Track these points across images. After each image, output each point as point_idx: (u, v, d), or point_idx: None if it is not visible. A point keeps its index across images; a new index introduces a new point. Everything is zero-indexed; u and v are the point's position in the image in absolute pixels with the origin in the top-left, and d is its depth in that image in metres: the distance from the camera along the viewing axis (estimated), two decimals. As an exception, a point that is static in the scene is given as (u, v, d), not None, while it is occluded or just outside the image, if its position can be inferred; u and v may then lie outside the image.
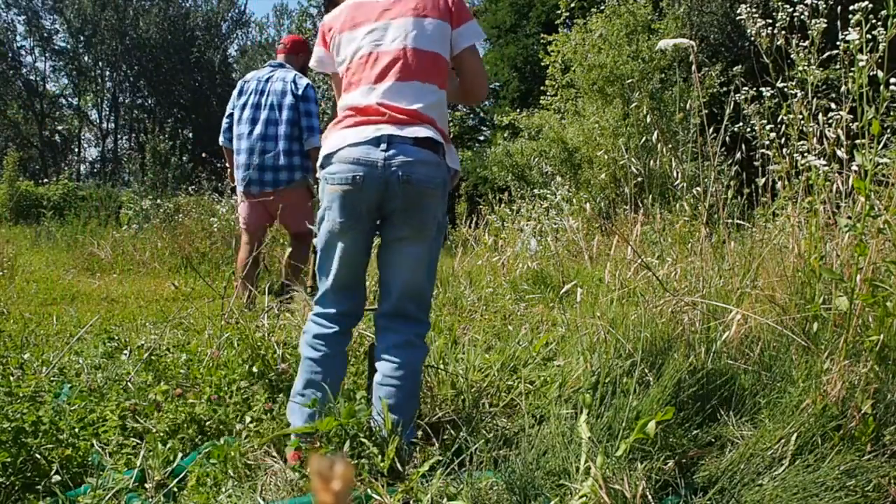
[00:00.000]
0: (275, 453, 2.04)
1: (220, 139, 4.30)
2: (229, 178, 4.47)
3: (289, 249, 4.47)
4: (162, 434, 2.13)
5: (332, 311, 2.14)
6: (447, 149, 2.11)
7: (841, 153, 2.55)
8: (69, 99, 34.95)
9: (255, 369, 2.44)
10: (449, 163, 2.12)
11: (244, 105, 4.16)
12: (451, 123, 22.86)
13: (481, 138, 24.12)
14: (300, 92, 4.07)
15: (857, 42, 2.18)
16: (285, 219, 4.16)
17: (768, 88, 2.85)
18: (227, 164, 4.39)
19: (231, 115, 4.23)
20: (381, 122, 2.02)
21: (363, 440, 1.93)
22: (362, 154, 2.00)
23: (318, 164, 2.13)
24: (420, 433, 2.23)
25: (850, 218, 2.34)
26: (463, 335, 3.28)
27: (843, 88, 2.56)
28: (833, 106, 2.62)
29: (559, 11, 10.78)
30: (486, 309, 4.23)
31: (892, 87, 2.16)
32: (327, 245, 2.11)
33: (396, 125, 2.01)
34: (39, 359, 2.99)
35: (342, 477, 0.44)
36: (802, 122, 2.64)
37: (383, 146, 1.99)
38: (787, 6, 2.78)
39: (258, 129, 4.08)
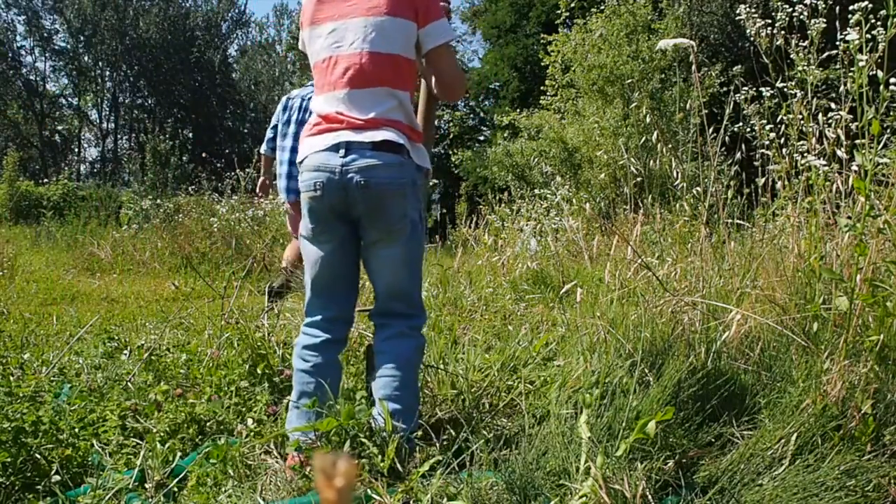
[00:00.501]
0: (275, 453, 2.05)
1: (263, 147, 4.77)
2: (259, 186, 4.95)
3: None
4: (162, 434, 2.13)
5: (318, 317, 2.15)
6: (412, 147, 2.08)
7: (841, 153, 2.55)
8: (69, 99, 34.97)
9: (255, 370, 2.44)
10: (416, 161, 2.09)
11: (288, 120, 4.56)
12: (451, 123, 22.83)
13: (481, 138, 24.12)
14: None
15: (856, 42, 2.18)
16: None
17: (768, 88, 2.85)
18: (259, 170, 4.83)
19: (275, 126, 4.65)
20: (339, 129, 2.04)
21: (363, 440, 1.93)
22: (322, 161, 2.03)
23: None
24: (420, 433, 2.23)
25: (850, 218, 2.34)
26: (463, 335, 3.28)
27: (841, 88, 2.56)
28: (833, 106, 2.62)
29: (559, 11, 10.77)
30: (486, 309, 4.23)
31: (891, 87, 2.16)
32: (306, 252, 2.15)
33: (354, 130, 2.03)
34: (39, 359, 2.99)
35: (345, 474, 0.45)
36: (802, 122, 2.64)
37: (341, 152, 2.01)
38: (787, 6, 2.78)
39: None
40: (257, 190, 5.02)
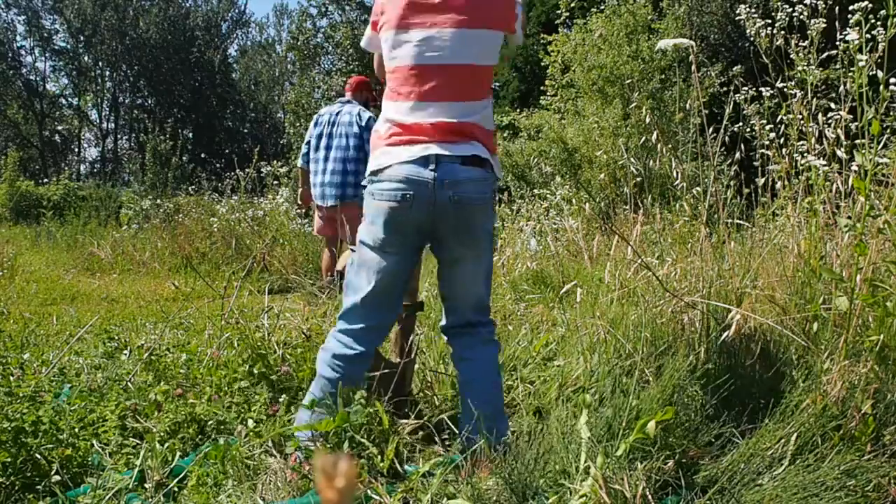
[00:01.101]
0: (275, 453, 2.04)
1: (299, 162, 5.35)
2: (301, 196, 5.46)
3: (343, 252, 5.35)
4: (161, 434, 2.13)
5: (359, 326, 2.10)
6: (493, 160, 2.10)
7: (841, 153, 2.55)
8: (69, 99, 34.97)
9: (255, 370, 2.44)
10: (497, 173, 2.13)
11: (319, 135, 5.14)
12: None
13: (481, 138, 24.07)
14: (363, 123, 5.03)
15: (856, 42, 2.18)
16: (344, 228, 5.04)
17: (768, 88, 2.85)
18: (300, 183, 5.41)
19: (309, 142, 5.19)
20: (428, 141, 2.00)
21: (361, 440, 1.93)
22: (411, 173, 1.98)
23: (367, 178, 2.11)
24: (421, 433, 2.23)
25: (850, 218, 2.34)
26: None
27: (840, 88, 2.56)
28: (833, 106, 2.62)
29: (559, 11, 10.77)
30: (486, 309, 4.22)
31: (891, 87, 2.16)
32: (365, 259, 2.09)
33: (443, 144, 1.99)
34: (39, 359, 2.99)
35: (346, 474, 0.45)
36: (802, 122, 2.64)
37: (431, 166, 1.98)
38: (787, 6, 2.78)
39: (331, 154, 5.04)
40: (299, 200, 5.55)
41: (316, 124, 5.22)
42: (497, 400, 2.11)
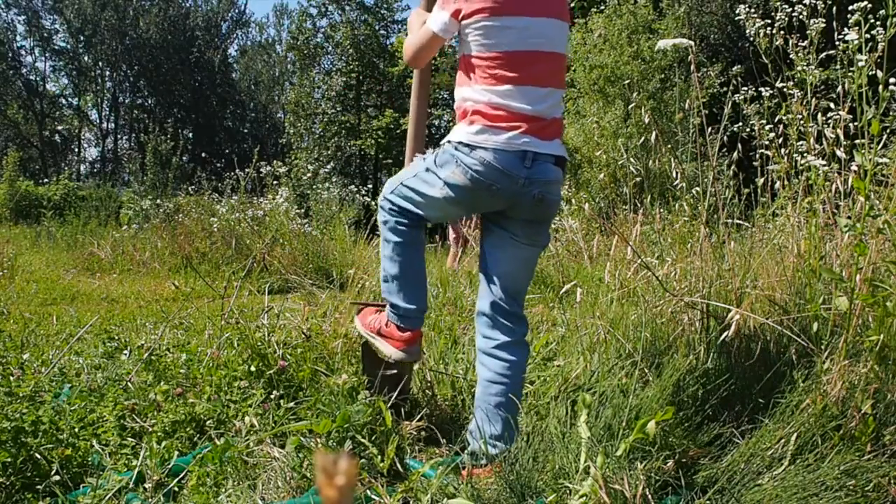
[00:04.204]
0: (275, 453, 2.04)
1: None
2: None
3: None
4: (159, 433, 2.13)
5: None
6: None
7: (840, 153, 2.55)
8: (69, 99, 34.98)
9: (253, 368, 2.44)
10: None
11: None
12: (452, 123, 22.86)
13: (481, 138, 24.09)
14: None
15: (856, 42, 2.18)
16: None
17: (767, 88, 2.85)
18: None
19: None
20: (530, 132, 1.98)
21: (362, 440, 1.93)
22: (507, 165, 1.96)
23: (449, 140, 2.05)
24: (423, 433, 2.23)
25: (850, 218, 2.34)
26: (463, 335, 3.28)
27: (838, 88, 2.56)
28: (832, 106, 2.62)
29: (559, 11, 10.75)
30: (486, 309, 4.22)
31: (891, 87, 2.16)
32: (424, 194, 2.10)
33: (542, 139, 1.99)
34: (39, 359, 2.99)
35: (346, 472, 0.45)
36: (801, 122, 2.64)
37: (528, 163, 1.96)
38: (786, 6, 2.78)
39: None
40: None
41: None
42: (516, 408, 2.06)
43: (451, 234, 6.96)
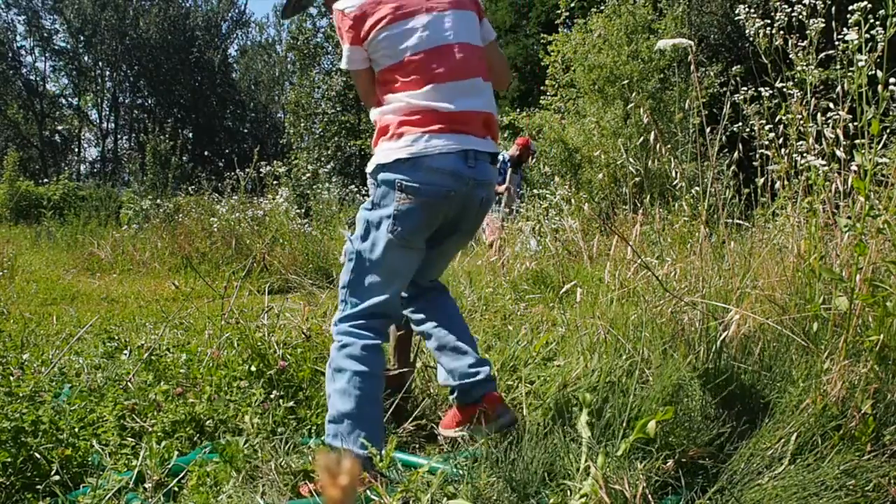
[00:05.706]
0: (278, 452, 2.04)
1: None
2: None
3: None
4: (159, 433, 2.13)
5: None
6: None
7: (840, 153, 2.55)
8: (69, 99, 34.98)
9: (253, 368, 2.44)
10: None
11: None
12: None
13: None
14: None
15: (855, 42, 2.18)
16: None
17: (767, 88, 2.85)
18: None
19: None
20: (465, 131, 1.88)
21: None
22: (455, 168, 1.85)
23: (379, 165, 1.91)
24: (422, 432, 2.23)
25: (849, 218, 2.34)
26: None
27: (838, 88, 2.56)
28: (832, 106, 2.62)
29: (559, 11, 10.78)
30: (486, 309, 4.23)
31: (891, 87, 2.16)
32: (380, 259, 1.91)
33: (478, 137, 1.92)
34: (39, 359, 2.99)
35: (349, 472, 0.45)
36: (801, 122, 2.64)
37: (471, 162, 1.88)
38: (786, 6, 2.78)
39: None
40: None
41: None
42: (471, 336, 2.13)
43: (487, 235, 6.79)
